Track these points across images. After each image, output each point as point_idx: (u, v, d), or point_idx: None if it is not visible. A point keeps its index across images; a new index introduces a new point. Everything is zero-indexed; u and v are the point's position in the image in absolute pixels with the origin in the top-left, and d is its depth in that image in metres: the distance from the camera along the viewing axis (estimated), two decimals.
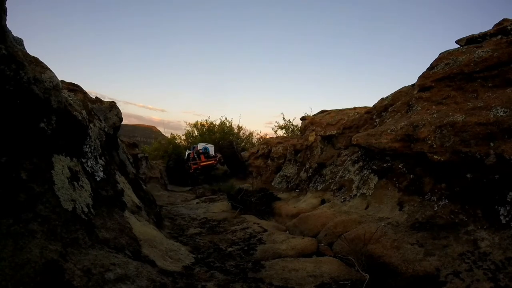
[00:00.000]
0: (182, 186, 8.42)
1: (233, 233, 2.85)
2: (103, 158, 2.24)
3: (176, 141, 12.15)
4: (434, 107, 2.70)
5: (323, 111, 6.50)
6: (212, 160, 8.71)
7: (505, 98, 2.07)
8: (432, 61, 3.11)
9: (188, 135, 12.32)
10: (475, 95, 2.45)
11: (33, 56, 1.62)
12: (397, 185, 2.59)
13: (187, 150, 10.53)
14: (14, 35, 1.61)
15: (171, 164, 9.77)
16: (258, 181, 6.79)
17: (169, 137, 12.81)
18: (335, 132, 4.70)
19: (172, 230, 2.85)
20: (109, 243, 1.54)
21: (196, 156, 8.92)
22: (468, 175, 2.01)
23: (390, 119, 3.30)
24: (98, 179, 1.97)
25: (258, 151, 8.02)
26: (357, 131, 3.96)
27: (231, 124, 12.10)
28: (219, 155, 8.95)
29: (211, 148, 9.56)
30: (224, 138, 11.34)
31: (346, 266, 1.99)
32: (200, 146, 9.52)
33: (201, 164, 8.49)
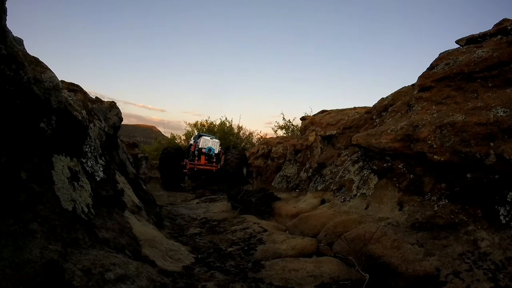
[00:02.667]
0: (177, 191, 6.85)
1: (233, 233, 2.85)
2: (103, 158, 2.24)
3: (176, 141, 12.15)
4: (434, 107, 2.70)
5: (323, 111, 6.51)
6: (212, 166, 7.51)
7: (505, 98, 2.07)
8: (432, 61, 3.11)
9: (188, 135, 12.32)
10: (475, 95, 2.45)
11: (33, 56, 1.62)
12: (397, 185, 2.59)
13: (192, 139, 8.98)
14: (14, 35, 1.61)
15: (164, 158, 7.43)
16: (258, 181, 6.79)
17: (169, 137, 12.82)
18: (335, 132, 4.71)
19: (172, 230, 2.85)
20: (109, 243, 1.54)
21: (196, 154, 7.62)
22: (468, 175, 2.01)
23: (390, 119, 3.30)
24: (98, 179, 1.97)
25: (258, 151, 8.00)
26: (357, 131, 3.96)
27: (231, 124, 12.10)
28: (222, 161, 7.73)
29: (216, 145, 8.05)
30: (224, 138, 11.10)
31: (346, 266, 1.99)
32: (204, 141, 7.90)
33: (198, 167, 7.31)
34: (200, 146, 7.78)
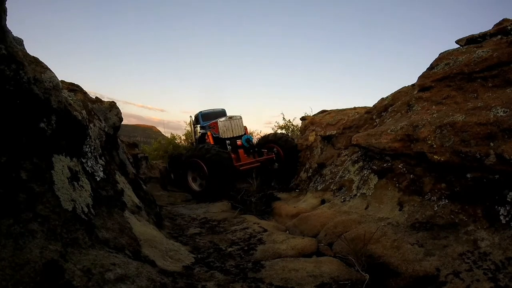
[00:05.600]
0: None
1: (233, 233, 2.85)
2: (103, 158, 2.24)
3: (176, 141, 12.14)
4: (434, 107, 2.70)
5: (323, 111, 6.51)
6: (255, 162, 5.39)
7: (505, 98, 2.07)
8: (432, 61, 3.11)
9: (188, 135, 12.29)
10: (475, 95, 2.45)
11: (33, 56, 1.62)
12: (397, 185, 2.59)
13: (197, 126, 6.45)
14: (14, 35, 1.61)
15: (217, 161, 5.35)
16: (257, 181, 6.78)
17: (169, 137, 12.80)
18: (335, 132, 4.70)
19: (172, 230, 2.85)
20: (109, 243, 1.54)
21: (229, 148, 5.53)
22: (468, 175, 2.01)
23: (390, 119, 3.30)
24: (98, 179, 1.97)
25: None
26: (357, 131, 3.96)
27: None
28: (266, 153, 5.67)
29: (241, 125, 5.91)
30: None
31: (346, 266, 1.99)
32: (225, 126, 5.68)
33: (242, 168, 5.19)
34: (223, 136, 5.69)
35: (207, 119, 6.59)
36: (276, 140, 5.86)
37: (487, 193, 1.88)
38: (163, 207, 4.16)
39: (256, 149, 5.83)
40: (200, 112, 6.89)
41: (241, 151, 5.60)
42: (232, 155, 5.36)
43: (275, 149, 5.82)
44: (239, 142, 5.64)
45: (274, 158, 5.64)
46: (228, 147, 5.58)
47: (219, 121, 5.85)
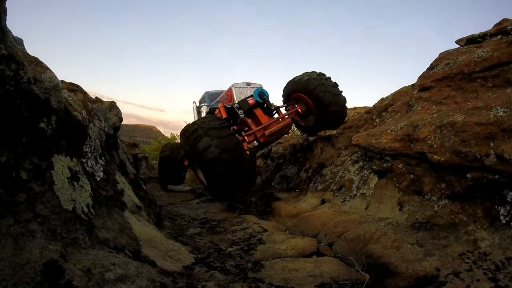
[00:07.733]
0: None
1: (233, 233, 2.85)
2: (103, 158, 2.24)
3: (176, 141, 12.15)
4: (434, 107, 2.70)
5: None
6: (286, 119, 4.14)
7: (505, 98, 2.07)
8: (432, 61, 3.12)
9: None
10: (475, 95, 2.45)
11: (33, 56, 1.62)
12: (397, 185, 2.59)
13: (200, 107, 5.57)
14: (14, 35, 1.61)
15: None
16: (258, 181, 6.79)
17: (169, 137, 12.81)
18: (335, 132, 4.70)
19: (172, 230, 2.85)
20: (109, 243, 1.54)
21: (241, 114, 4.21)
22: (468, 175, 2.01)
23: (390, 119, 3.30)
24: (98, 179, 1.97)
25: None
26: (357, 131, 3.96)
27: None
28: (292, 108, 4.36)
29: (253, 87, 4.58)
30: None
31: (346, 266, 1.99)
32: (240, 92, 4.48)
33: (268, 132, 3.94)
34: (238, 102, 4.30)
35: (214, 99, 5.63)
36: (310, 89, 4.06)
37: (487, 193, 1.88)
38: (163, 207, 4.16)
39: (273, 107, 4.40)
40: (207, 92, 5.85)
41: (258, 112, 4.16)
42: (248, 120, 4.12)
43: (304, 102, 4.28)
44: (251, 101, 4.16)
45: (300, 111, 4.31)
46: (239, 111, 4.21)
47: (235, 87, 4.55)
